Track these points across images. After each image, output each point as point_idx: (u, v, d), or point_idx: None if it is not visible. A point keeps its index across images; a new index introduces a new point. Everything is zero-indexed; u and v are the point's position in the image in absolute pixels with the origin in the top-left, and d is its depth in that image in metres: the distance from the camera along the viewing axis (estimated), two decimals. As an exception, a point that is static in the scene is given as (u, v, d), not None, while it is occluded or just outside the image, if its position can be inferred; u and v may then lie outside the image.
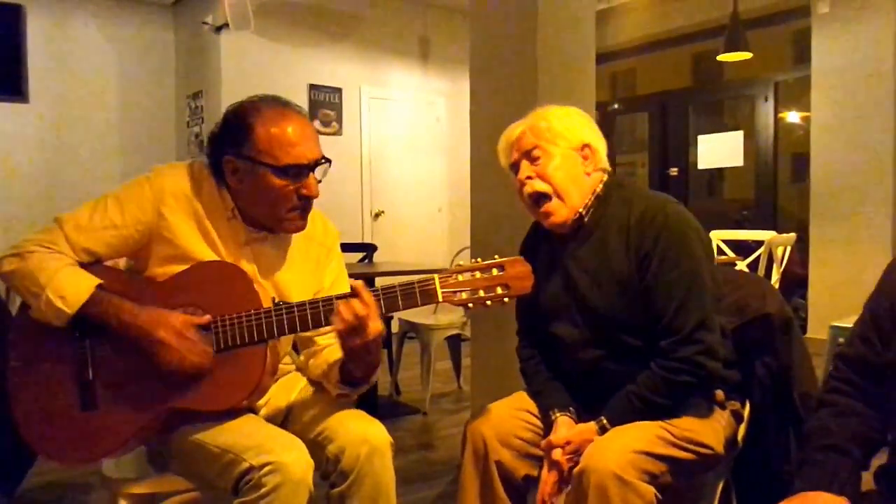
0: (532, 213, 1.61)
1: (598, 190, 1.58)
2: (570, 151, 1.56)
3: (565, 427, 1.52)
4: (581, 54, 2.68)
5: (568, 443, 1.47)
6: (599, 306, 1.53)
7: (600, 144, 1.60)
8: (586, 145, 1.57)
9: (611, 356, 1.54)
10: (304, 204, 1.47)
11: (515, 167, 1.59)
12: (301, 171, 1.43)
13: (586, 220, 1.57)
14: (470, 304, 1.33)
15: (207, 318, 1.38)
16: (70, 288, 1.34)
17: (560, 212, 1.55)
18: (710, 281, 1.50)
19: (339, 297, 1.35)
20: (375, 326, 1.34)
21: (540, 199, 1.55)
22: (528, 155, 1.56)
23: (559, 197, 1.53)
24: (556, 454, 1.48)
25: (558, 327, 1.60)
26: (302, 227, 1.51)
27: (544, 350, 1.68)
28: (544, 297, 1.63)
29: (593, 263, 1.55)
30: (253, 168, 1.42)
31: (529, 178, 1.55)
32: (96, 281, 1.37)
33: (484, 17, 2.79)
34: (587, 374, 1.58)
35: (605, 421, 1.48)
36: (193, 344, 1.35)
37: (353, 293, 1.33)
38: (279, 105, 1.46)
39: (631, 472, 1.33)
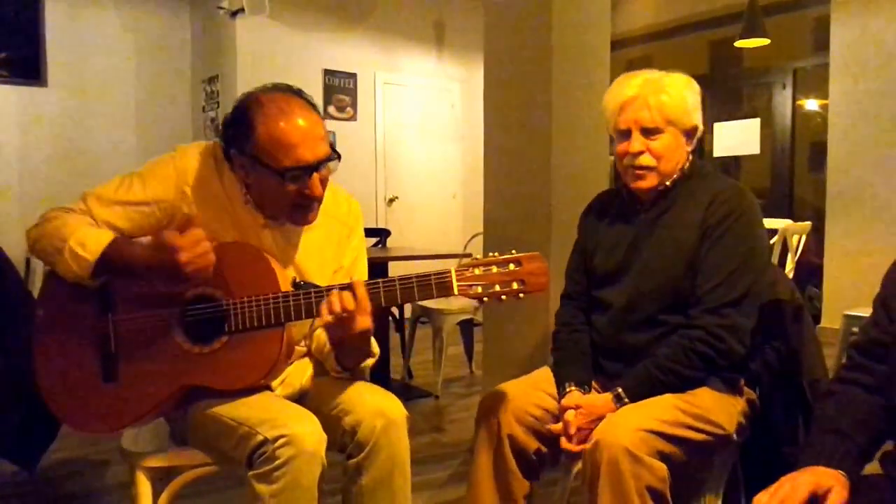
0: (623, 175, 1.67)
1: (686, 167, 1.65)
2: (679, 133, 1.62)
3: (575, 400, 1.55)
4: (596, 41, 2.66)
5: (579, 406, 1.52)
6: (656, 269, 1.58)
7: (701, 124, 1.65)
8: (695, 127, 1.63)
9: (652, 325, 1.58)
10: (309, 203, 1.45)
11: (625, 134, 1.62)
12: (302, 174, 1.39)
13: (669, 191, 1.64)
14: (485, 299, 1.34)
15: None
16: (91, 238, 1.37)
17: (652, 179, 1.61)
18: (760, 275, 1.54)
19: (330, 288, 1.37)
20: (362, 322, 1.35)
21: (641, 167, 1.61)
22: (644, 129, 1.60)
23: (658, 171, 1.61)
24: (569, 415, 1.52)
25: (607, 291, 1.66)
26: (309, 222, 1.50)
27: (586, 314, 1.74)
28: (601, 260, 1.70)
29: (663, 231, 1.61)
30: (255, 167, 1.41)
31: (641, 151, 1.60)
32: (114, 235, 1.40)
33: (499, 3, 2.78)
34: (622, 341, 1.62)
35: (620, 390, 1.51)
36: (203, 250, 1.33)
37: (348, 286, 1.36)
38: (284, 99, 1.40)
39: (643, 448, 1.35)
